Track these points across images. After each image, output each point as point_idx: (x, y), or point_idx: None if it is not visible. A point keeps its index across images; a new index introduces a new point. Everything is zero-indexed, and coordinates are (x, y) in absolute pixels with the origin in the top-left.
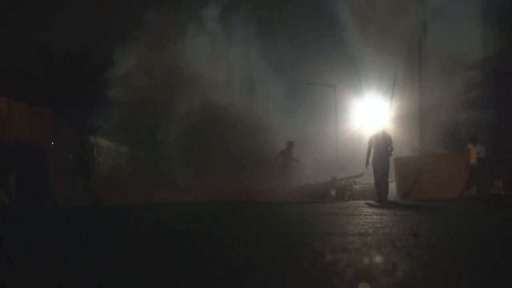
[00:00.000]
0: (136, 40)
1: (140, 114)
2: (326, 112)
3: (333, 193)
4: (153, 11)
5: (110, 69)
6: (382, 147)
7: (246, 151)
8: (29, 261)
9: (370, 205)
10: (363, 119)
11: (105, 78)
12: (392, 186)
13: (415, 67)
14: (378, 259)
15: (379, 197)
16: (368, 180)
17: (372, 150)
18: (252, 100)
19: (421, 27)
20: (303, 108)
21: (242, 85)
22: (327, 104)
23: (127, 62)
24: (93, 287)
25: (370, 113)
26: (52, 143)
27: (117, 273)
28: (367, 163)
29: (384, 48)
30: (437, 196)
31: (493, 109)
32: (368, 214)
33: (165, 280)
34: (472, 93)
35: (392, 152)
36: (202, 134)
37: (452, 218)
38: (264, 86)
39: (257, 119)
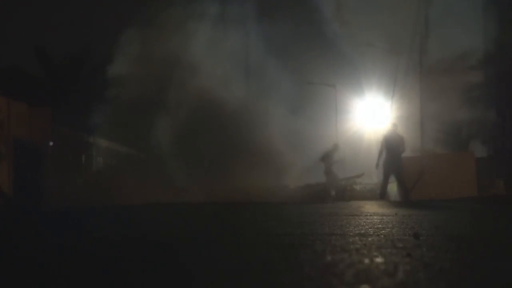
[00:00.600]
0: (136, 31)
1: (138, 111)
2: (326, 112)
3: (333, 193)
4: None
5: (109, 66)
6: (395, 147)
7: (245, 149)
8: (31, 261)
9: (371, 205)
10: (364, 119)
11: (105, 77)
12: (393, 187)
13: (416, 66)
14: (379, 260)
15: (381, 196)
16: (368, 180)
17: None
18: (251, 96)
19: (423, 27)
20: (303, 107)
21: (241, 79)
22: (327, 104)
23: (126, 58)
24: (94, 286)
25: (370, 113)
26: (51, 142)
27: (117, 274)
28: (378, 164)
29: (385, 47)
30: (438, 196)
31: (495, 109)
32: (368, 214)
33: (166, 280)
34: (474, 93)
35: (404, 152)
36: (200, 131)
37: (453, 218)
38: (264, 83)
39: (257, 117)
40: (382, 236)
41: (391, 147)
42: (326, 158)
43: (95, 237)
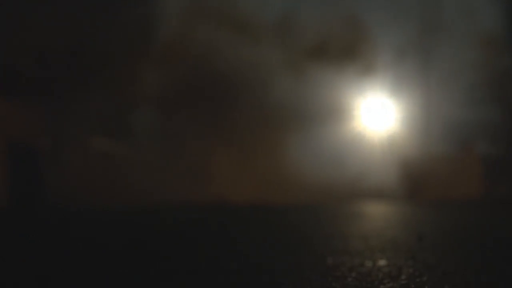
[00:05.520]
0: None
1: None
2: None
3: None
4: None
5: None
6: None
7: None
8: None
9: (375, 207)
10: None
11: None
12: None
13: (421, 64)
14: (382, 262)
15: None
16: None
17: None
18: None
19: (429, 25)
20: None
21: None
22: None
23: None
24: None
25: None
26: (45, 141)
27: (114, 276)
28: None
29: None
30: (441, 196)
31: (500, 108)
32: (371, 216)
33: (165, 282)
34: (479, 92)
35: None
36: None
37: (456, 220)
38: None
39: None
40: (385, 238)
41: None
42: None
43: (94, 239)
